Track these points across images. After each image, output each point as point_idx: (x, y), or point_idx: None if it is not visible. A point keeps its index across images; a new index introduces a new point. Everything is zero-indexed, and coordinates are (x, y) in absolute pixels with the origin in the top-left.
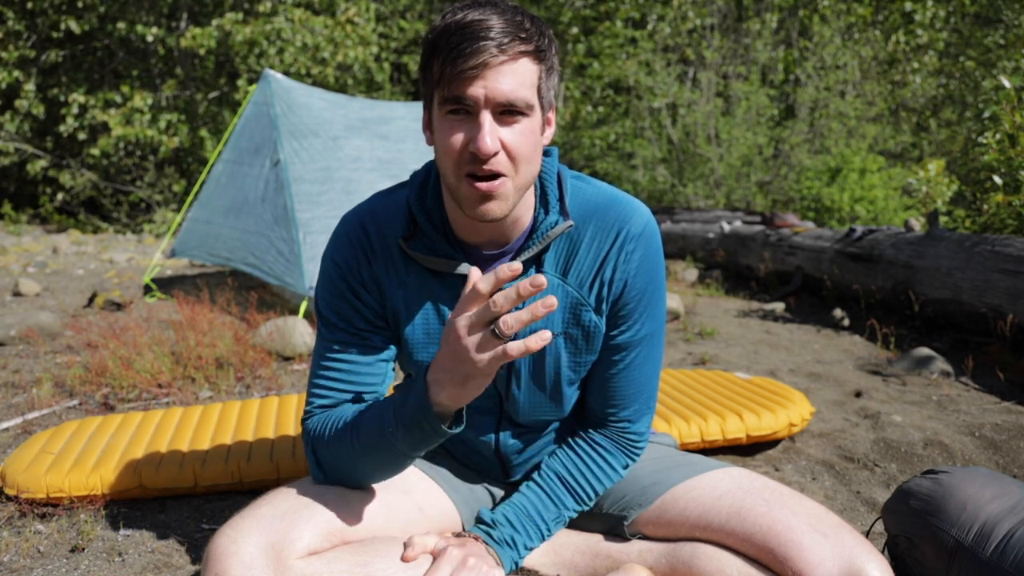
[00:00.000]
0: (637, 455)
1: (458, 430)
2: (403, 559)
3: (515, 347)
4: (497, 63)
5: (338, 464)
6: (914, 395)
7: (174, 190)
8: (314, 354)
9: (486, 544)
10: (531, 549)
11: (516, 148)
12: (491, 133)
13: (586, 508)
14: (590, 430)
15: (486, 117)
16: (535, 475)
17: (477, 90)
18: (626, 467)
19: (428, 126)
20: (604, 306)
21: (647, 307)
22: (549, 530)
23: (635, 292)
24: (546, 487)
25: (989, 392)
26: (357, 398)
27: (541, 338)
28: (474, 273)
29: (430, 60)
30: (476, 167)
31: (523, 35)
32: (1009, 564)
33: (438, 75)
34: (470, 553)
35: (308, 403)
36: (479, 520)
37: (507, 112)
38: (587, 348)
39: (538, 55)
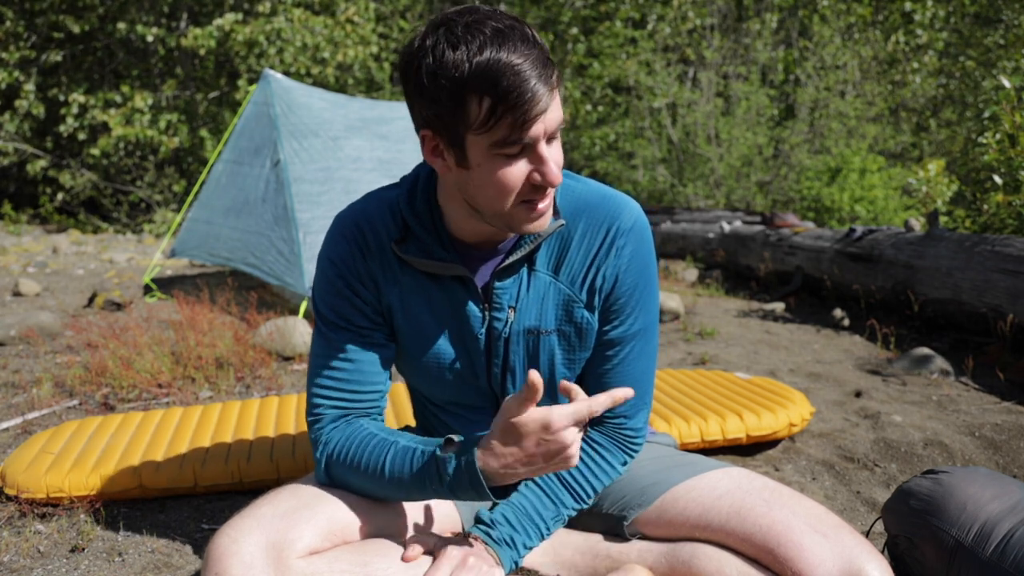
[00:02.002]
0: (635, 451)
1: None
2: (403, 559)
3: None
4: (549, 99)
5: (356, 487)
6: (914, 395)
7: (174, 190)
8: (312, 354)
9: (485, 544)
10: (530, 548)
11: (560, 164)
12: (557, 163)
13: (585, 506)
14: (587, 428)
15: (545, 149)
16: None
17: (538, 129)
18: (624, 464)
19: (439, 154)
20: (596, 301)
21: (639, 302)
22: (548, 529)
23: (627, 287)
24: (544, 486)
25: (989, 392)
26: (365, 409)
27: None
28: (534, 376)
29: (463, 99)
30: (538, 195)
31: (549, 58)
32: (1009, 564)
33: (486, 118)
34: (470, 552)
35: (313, 405)
36: (478, 520)
37: (551, 136)
38: (580, 345)
39: (557, 75)
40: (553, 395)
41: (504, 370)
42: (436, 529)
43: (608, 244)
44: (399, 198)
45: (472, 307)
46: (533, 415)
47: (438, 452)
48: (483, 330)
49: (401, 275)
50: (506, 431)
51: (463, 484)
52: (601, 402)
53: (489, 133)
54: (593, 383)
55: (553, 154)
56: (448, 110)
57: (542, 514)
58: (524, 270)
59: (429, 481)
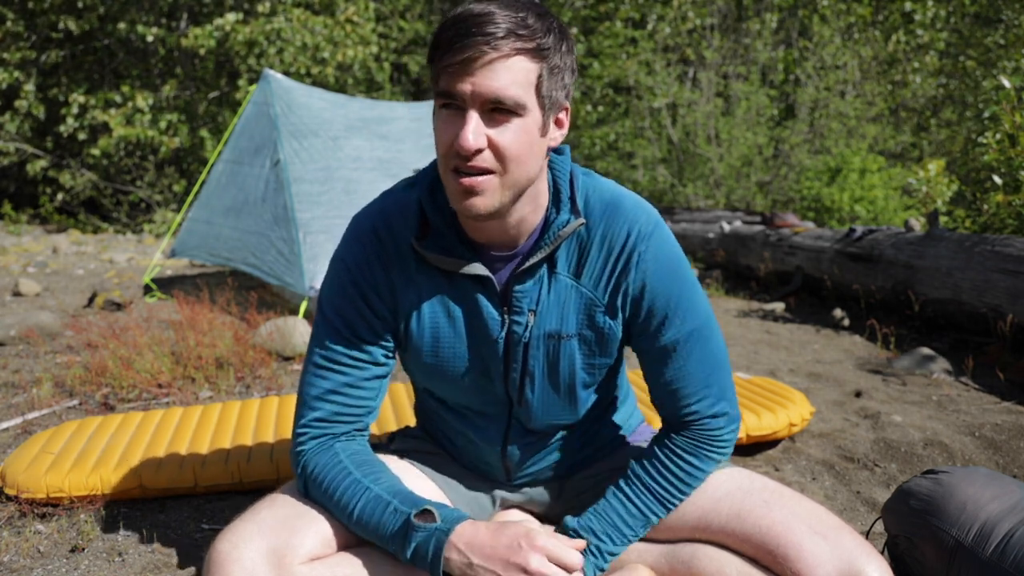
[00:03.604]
0: (722, 451)
1: None
2: None
3: None
4: (487, 60)
5: (330, 510)
6: (914, 395)
7: (174, 190)
8: (308, 358)
9: None
10: (616, 555)
11: (505, 148)
12: (475, 131)
13: (674, 508)
14: (671, 434)
15: (472, 114)
16: (621, 483)
17: (464, 86)
18: (715, 463)
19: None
20: (619, 305)
21: (680, 303)
22: (636, 535)
23: (660, 293)
24: (633, 495)
25: (989, 392)
26: (352, 425)
27: None
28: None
29: (433, 52)
30: (461, 162)
31: (522, 32)
32: (1009, 564)
33: (434, 68)
34: None
35: (300, 416)
36: (562, 529)
37: (497, 110)
38: (601, 351)
39: (538, 53)
40: (573, 400)
41: (523, 376)
42: None
43: (629, 250)
44: (419, 195)
45: (491, 310)
46: (531, 520)
47: (412, 519)
48: (502, 334)
49: (418, 275)
50: (498, 524)
51: (421, 554)
52: (574, 560)
53: (435, 82)
54: (663, 392)
55: (492, 131)
56: (429, 64)
57: (629, 523)
58: (544, 272)
59: (392, 540)
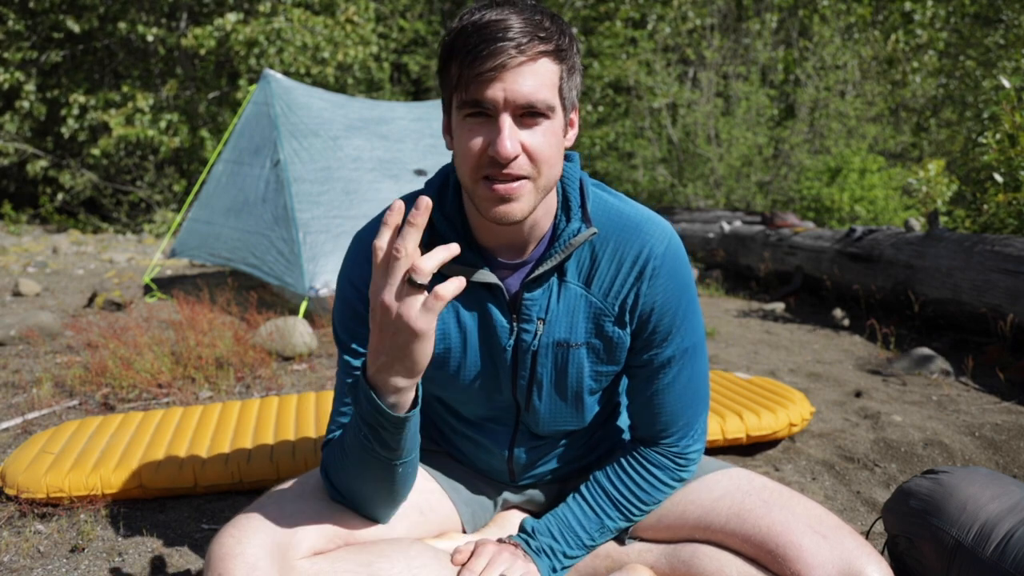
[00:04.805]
0: (686, 471)
1: (415, 411)
2: (453, 562)
3: (443, 288)
4: (516, 64)
5: (346, 488)
6: (914, 395)
7: (174, 190)
8: (336, 380)
9: (524, 552)
10: (574, 558)
11: (538, 150)
12: (511, 136)
13: (634, 522)
14: (640, 447)
15: (506, 120)
16: (582, 487)
17: (496, 92)
18: (679, 480)
19: (448, 130)
20: (627, 318)
21: (683, 321)
22: (593, 540)
23: (669, 310)
24: (590, 499)
25: (989, 392)
26: None
27: (456, 284)
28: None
29: (448, 63)
30: (495, 171)
31: (542, 34)
32: (1009, 564)
33: (456, 78)
34: (504, 548)
35: (329, 432)
36: (522, 528)
37: (528, 114)
38: (608, 359)
39: (558, 55)
40: (580, 407)
41: (531, 383)
42: (438, 531)
43: (640, 266)
44: None
45: (500, 318)
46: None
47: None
48: (511, 342)
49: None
50: (371, 316)
51: (366, 405)
52: None
53: (458, 91)
54: (642, 407)
55: (524, 135)
56: (442, 74)
57: (584, 525)
58: (555, 281)
59: (358, 428)
